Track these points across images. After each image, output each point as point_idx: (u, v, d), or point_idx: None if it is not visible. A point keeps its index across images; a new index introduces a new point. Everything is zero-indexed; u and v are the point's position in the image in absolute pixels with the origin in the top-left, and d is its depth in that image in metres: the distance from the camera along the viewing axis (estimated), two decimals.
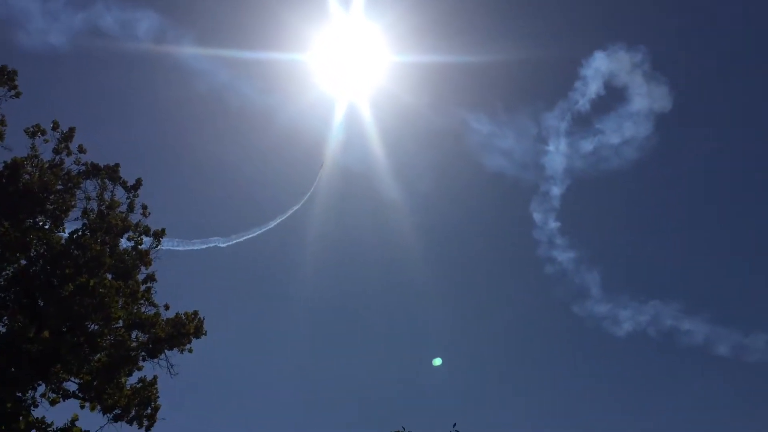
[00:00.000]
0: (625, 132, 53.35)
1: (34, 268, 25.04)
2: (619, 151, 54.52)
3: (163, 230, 28.21)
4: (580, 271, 58.92)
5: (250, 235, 51.90)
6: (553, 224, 57.00)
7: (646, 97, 51.80)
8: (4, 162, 25.85)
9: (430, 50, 54.76)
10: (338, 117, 54.93)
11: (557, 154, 54.87)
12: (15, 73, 27.61)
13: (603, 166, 55.91)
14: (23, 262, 24.95)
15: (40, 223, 25.58)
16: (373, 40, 53.19)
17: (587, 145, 54.35)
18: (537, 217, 57.52)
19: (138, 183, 27.97)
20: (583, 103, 52.52)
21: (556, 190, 56.06)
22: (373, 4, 51.49)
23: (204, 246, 49.55)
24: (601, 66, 50.98)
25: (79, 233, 25.79)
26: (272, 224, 52.54)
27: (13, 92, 27.29)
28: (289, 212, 53.81)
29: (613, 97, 53.51)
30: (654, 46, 52.99)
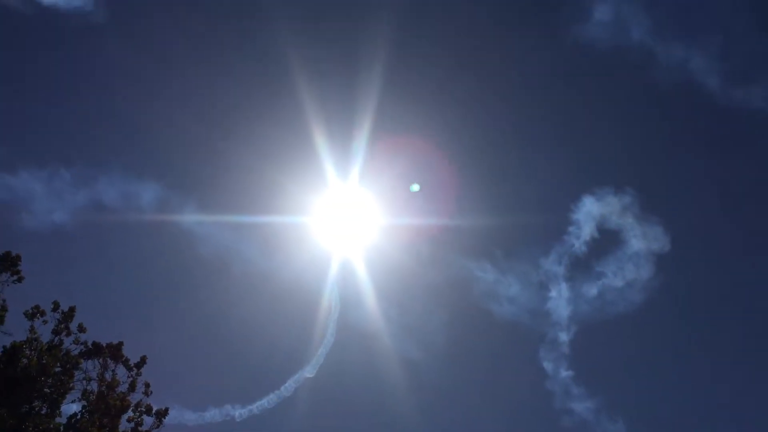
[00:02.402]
0: (626, 274, 53.30)
1: None
2: (624, 294, 54.08)
3: (166, 410, 27.02)
4: (602, 421, 55.81)
5: (268, 405, 49.56)
6: (566, 373, 54.92)
7: (642, 239, 52.47)
8: (3, 347, 25.26)
9: (422, 214, 57.12)
10: (340, 276, 55.39)
11: (560, 300, 54.31)
12: (18, 258, 27.67)
13: (609, 309, 55.15)
14: None
15: (37, 409, 24.42)
16: (367, 206, 56.36)
17: (590, 289, 53.98)
18: (548, 366, 55.52)
19: (142, 361, 27.18)
20: (579, 247, 52.98)
21: (564, 337, 54.75)
22: (367, 174, 54.64)
23: (219, 419, 47.09)
24: (592, 209, 52.15)
25: (78, 416, 24.58)
26: (287, 392, 50.42)
27: (15, 277, 27.24)
28: (304, 376, 51.95)
29: (608, 240, 54.21)
30: (641, 187, 54.64)
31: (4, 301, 26.27)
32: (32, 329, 26.68)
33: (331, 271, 55.76)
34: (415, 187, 55.52)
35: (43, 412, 24.55)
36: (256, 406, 49.46)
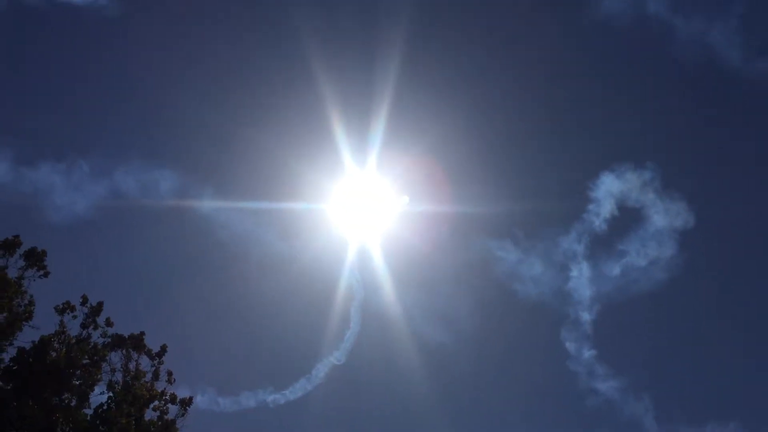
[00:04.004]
0: (649, 252, 52.52)
1: None
2: (647, 273, 53.34)
3: (190, 398, 27.84)
4: (628, 400, 55.45)
5: (301, 391, 50.20)
6: (589, 353, 54.51)
7: (665, 215, 51.59)
8: (32, 341, 26.16)
9: (439, 201, 57.24)
10: (360, 262, 55.85)
11: (581, 279, 53.76)
12: (44, 253, 28.45)
13: (632, 288, 54.49)
14: None
15: (66, 401, 25.32)
16: (384, 192, 56.72)
17: (613, 268, 53.34)
18: (570, 346, 55.08)
19: (163, 350, 27.97)
20: (599, 225, 52.29)
21: (586, 316, 54.26)
22: (385, 161, 54.84)
23: (254, 404, 47.92)
24: (611, 187, 51.30)
25: (105, 407, 25.42)
26: (317, 378, 51.02)
27: (41, 272, 28.05)
28: (333, 363, 52.55)
29: (629, 217, 53.37)
30: (662, 162, 53.44)
31: (31, 296, 27.18)
32: (62, 323, 27.56)
33: (350, 257, 56.19)
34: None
35: (72, 404, 25.41)
36: (289, 391, 49.94)
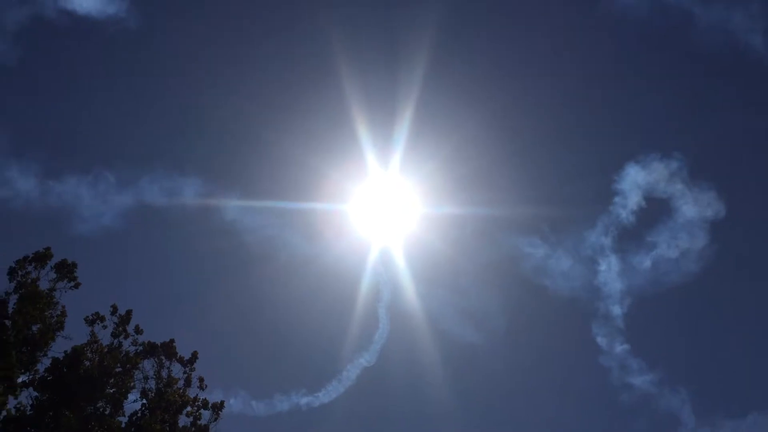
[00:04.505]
0: (680, 244, 51.52)
1: None
2: (678, 264, 52.32)
3: (221, 403, 27.96)
4: (664, 394, 54.39)
5: (333, 393, 50.13)
6: (621, 347, 53.57)
7: (694, 205, 50.60)
8: (65, 351, 26.48)
9: (462, 202, 57.17)
10: (385, 262, 55.90)
11: (610, 273, 52.88)
12: (75, 265, 28.76)
13: (663, 280, 53.51)
14: None
15: (101, 409, 25.59)
16: (407, 194, 56.98)
17: (643, 261, 52.45)
18: (602, 341, 54.15)
19: (194, 357, 28.16)
20: (626, 217, 51.43)
21: (617, 310, 53.35)
22: (408, 163, 54.99)
23: (287, 407, 48.03)
24: (637, 178, 50.43)
25: (139, 415, 25.66)
26: (348, 380, 50.89)
27: (72, 284, 28.36)
28: (364, 364, 52.46)
29: (657, 208, 52.42)
30: (689, 151, 52.34)
31: (63, 307, 27.53)
32: (93, 333, 27.86)
33: (373, 258, 56.17)
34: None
35: (107, 412, 25.67)
36: (322, 393, 49.81)
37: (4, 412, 24.56)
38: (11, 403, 24.98)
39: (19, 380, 25.39)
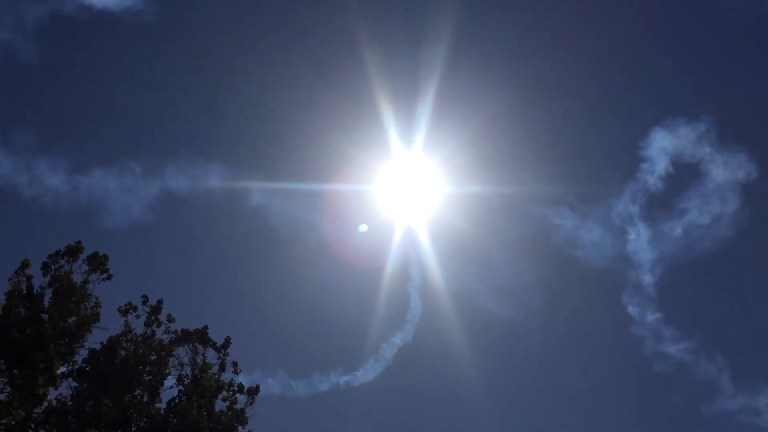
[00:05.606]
0: (711, 209, 50.44)
1: None
2: (710, 230, 51.25)
3: (257, 387, 28.24)
4: (700, 362, 53.61)
5: (373, 373, 50.42)
6: (653, 316, 52.86)
7: (724, 169, 49.41)
8: (101, 342, 26.99)
9: (487, 182, 56.69)
10: (414, 242, 55.86)
11: (640, 241, 52.06)
12: (106, 257, 29.14)
13: (695, 247, 52.51)
14: None
15: (138, 397, 26.09)
16: (431, 174, 56.74)
17: (673, 228, 51.51)
18: (633, 311, 53.43)
19: (227, 342, 28.48)
20: (654, 184, 50.45)
21: (648, 279, 52.54)
22: (432, 142, 54.60)
23: (327, 387, 48.52)
24: (663, 143, 49.33)
25: (176, 401, 26.11)
26: (385, 360, 51.14)
27: (104, 275, 28.75)
28: (399, 344, 52.71)
29: (686, 174, 51.32)
30: (717, 113, 50.98)
31: (97, 298, 27.99)
32: (126, 323, 28.31)
33: (398, 238, 56.11)
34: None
35: (144, 399, 26.17)
36: (360, 372, 50.05)
37: (45, 403, 25.18)
38: (52, 394, 25.62)
39: (59, 371, 25.97)
